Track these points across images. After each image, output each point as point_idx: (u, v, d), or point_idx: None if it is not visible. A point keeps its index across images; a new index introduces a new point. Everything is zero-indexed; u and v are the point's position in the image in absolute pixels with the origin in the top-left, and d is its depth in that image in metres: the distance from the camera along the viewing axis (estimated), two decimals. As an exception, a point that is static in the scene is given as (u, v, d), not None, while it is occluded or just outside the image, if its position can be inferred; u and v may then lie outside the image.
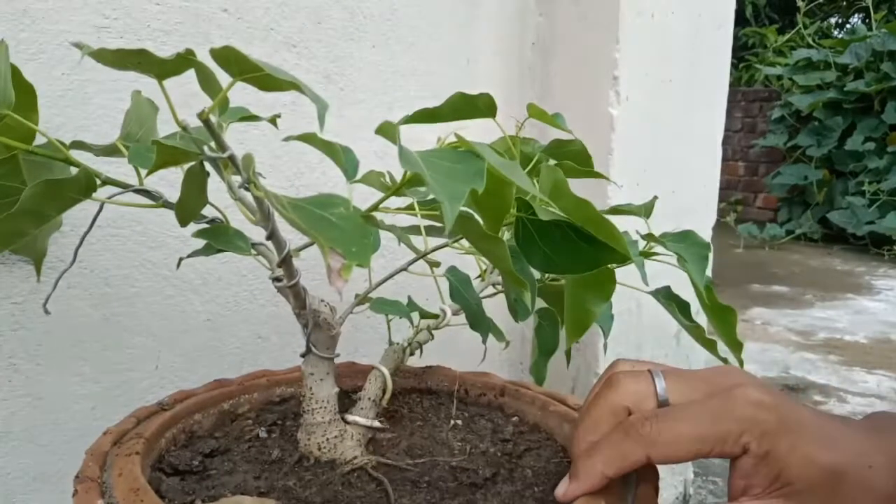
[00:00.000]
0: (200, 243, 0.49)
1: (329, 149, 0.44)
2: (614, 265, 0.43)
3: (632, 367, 0.42)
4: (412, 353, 0.56)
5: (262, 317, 0.74)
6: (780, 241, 4.60)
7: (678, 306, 0.57)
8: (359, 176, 0.52)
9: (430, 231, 0.54)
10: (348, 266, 0.30)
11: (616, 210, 0.58)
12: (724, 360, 0.56)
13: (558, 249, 0.41)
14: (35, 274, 0.53)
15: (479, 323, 0.53)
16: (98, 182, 0.43)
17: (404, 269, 0.52)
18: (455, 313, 0.57)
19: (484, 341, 0.55)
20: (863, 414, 0.43)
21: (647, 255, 0.58)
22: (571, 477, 0.40)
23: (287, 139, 0.49)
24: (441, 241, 0.51)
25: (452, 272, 0.54)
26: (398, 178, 0.44)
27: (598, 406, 0.40)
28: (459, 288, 0.53)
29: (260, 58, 0.32)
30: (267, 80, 0.33)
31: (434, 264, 0.54)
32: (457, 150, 0.34)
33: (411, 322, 0.57)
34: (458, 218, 0.39)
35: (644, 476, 0.42)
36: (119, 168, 0.58)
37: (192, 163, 0.41)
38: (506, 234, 0.48)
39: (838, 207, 4.53)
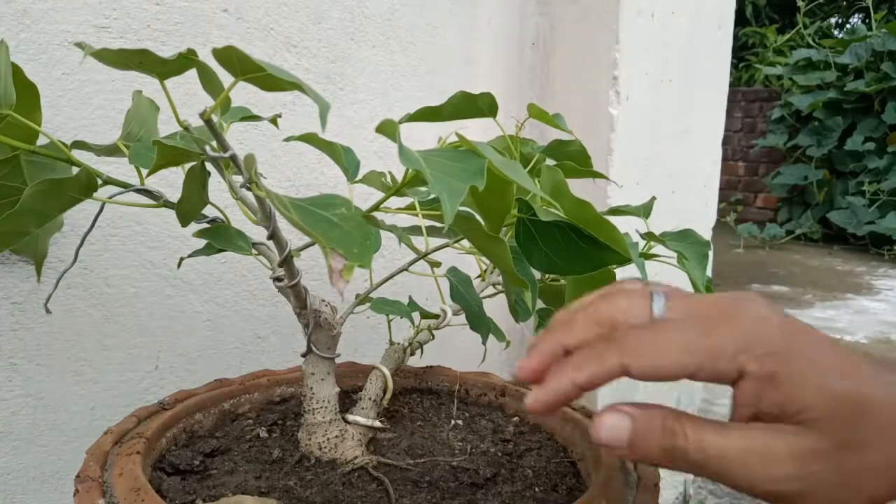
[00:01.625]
0: (200, 243, 0.49)
1: (330, 149, 0.44)
2: (615, 266, 0.43)
3: (636, 286, 0.35)
4: (413, 353, 0.56)
5: (262, 317, 0.74)
6: (780, 241, 4.60)
7: (678, 306, 0.57)
8: (359, 176, 0.52)
9: (431, 231, 0.54)
10: (349, 267, 0.30)
11: (615, 211, 0.58)
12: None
13: (559, 250, 0.41)
14: (35, 274, 0.53)
15: (480, 323, 0.53)
16: (99, 182, 0.43)
17: (405, 269, 0.52)
18: (455, 313, 0.57)
19: (484, 341, 0.55)
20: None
21: (647, 256, 0.58)
22: (539, 385, 0.33)
23: (288, 139, 0.49)
24: (442, 241, 0.51)
25: (453, 272, 0.54)
26: (399, 177, 0.45)
27: (581, 311, 0.34)
28: (460, 288, 0.53)
29: (260, 58, 0.32)
30: (269, 81, 0.33)
31: (435, 264, 0.55)
32: (458, 149, 0.34)
33: (412, 322, 0.57)
34: (460, 218, 0.40)
35: (644, 476, 0.42)
36: (119, 168, 0.58)
37: (194, 163, 0.41)
38: (506, 235, 0.48)
39: (838, 207, 4.53)
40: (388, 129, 0.35)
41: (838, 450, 0.30)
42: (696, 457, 0.30)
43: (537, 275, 0.57)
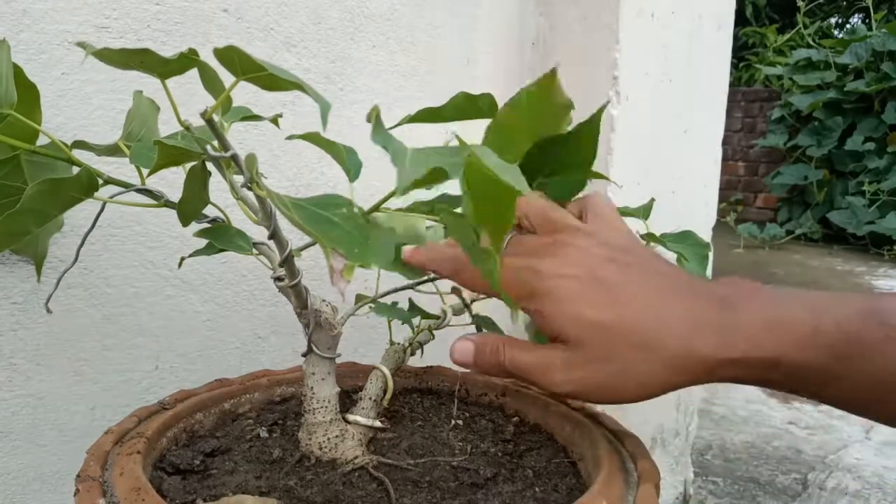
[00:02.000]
0: (200, 243, 0.49)
1: (332, 149, 0.44)
2: None
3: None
4: (413, 353, 0.56)
5: (261, 317, 0.74)
6: (780, 241, 4.60)
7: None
8: (360, 177, 0.52)
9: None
10: (350, 266, 0.31)
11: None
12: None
13: None
14: (35, 274, 0.53)
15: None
16: (100, 181, 0.43)
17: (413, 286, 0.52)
18: (456, 313, 0.57)
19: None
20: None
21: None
22: (415, 250, 0.46)
23: (290, 137, 0.49)
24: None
25: None
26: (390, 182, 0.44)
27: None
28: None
29: (260, 58, 0.32)
30: (270, 80, 0.33)
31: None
32: (450, 146, 0.33)
33: (412, 326, 0.57)
34: (457, 222, 0.39)
35: (644, 476, 0.42)
36: (119, 168, 0.58)
37: (194, 162, 0.41)
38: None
39: (838, 207, 4.53)
40: (376, 124, 0.35)
41: (595, 360, 0.40)
42: (511, 368, 0.43)
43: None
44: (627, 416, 1.01)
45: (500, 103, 0.46)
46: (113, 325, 0.62)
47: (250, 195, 0.40)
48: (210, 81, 0.38)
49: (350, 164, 0.47)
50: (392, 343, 0.56)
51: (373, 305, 0.54)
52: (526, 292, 0.41)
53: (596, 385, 0.40)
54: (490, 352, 0.43)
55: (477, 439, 0.52)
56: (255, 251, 0.47)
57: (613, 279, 0.41)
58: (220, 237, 0.47)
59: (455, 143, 0.36)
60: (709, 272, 0.59)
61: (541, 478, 0.46)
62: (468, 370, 0.45)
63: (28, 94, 0.42)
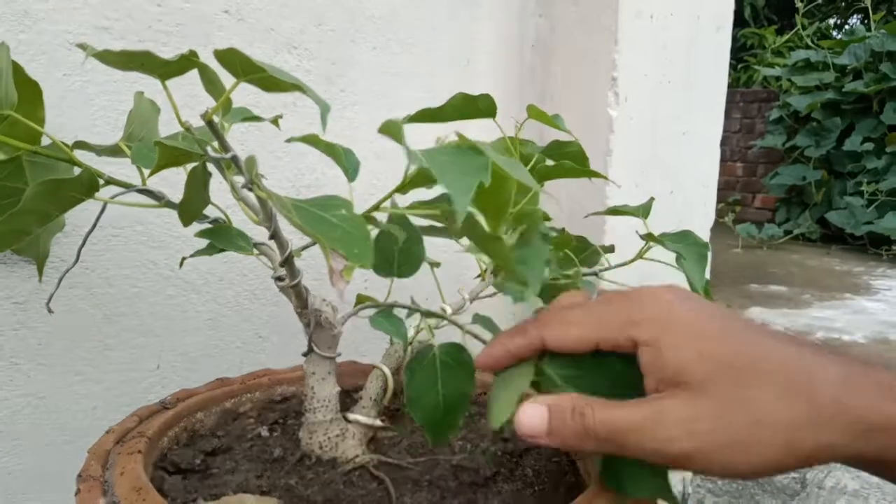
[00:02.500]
0: (201, 243, 0.49)
1: (331, 150, 0.44)
2: None
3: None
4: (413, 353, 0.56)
5: (262, 316, 0.74)
6: (778, 241, 4.60)
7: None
8: (359, 177, 0.52)
9: (431, 231, 0.54)
10: (350, 267, 0.31)
11: (614, 211, 0.58)
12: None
13: None
14: (37, 274, 0.53)
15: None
16: (101, 182, 0.43)
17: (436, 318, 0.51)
18: (455, 312, 0.57)
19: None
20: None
21: (641, 255, 0.58)
22: (482, 356, 0.40)
23: (289, 140, 0.50)
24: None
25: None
26: (396, 177, 0.45)
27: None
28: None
29: (260, 59, 0.32)
30: (270, 82, 0.33)
31: (434, 264, 0.55)
32: (458, 147, 0.34)
33: (405, 344, 0.57)
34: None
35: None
36: (121, 169, 0.58)
37: (195, 163, 0.41)
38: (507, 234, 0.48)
39: (836, 208, 4.53)
40: (391, 129, 0.35)
41: (726, 407, 0.31)
42: (601, 432, 0.33)
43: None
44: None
45: (500, 104, 0.46)
46: (114, 324, 0.63)
47: (251, 196, 0.40)
48: (210, 83, 0.38)
49: (348, 164, 0.47)
50: (392, 342, 0.56)
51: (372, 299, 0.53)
52: (632, 318, 0.34)
53: (723, 441, 0.31)
54: (572, 415, 0.34)
55: (477, 438, 0.52)
56: (255, 251, 0.48)
57: (724, 316, 0.34)
58: (221, 237, 0.47)
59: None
60: (707, 272, 0.59)
61: (540, 477, 0.47)
62: (540, 442, 0.36)
63: (30, 92, 0.42)
